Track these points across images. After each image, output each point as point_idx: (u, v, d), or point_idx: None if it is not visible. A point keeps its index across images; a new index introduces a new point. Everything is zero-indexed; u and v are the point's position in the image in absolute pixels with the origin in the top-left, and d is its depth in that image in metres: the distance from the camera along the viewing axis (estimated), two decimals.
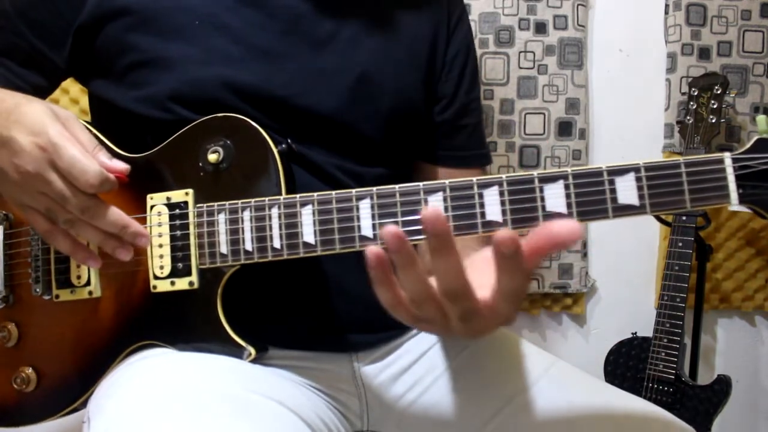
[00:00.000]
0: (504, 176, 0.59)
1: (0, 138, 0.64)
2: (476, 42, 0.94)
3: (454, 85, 0.90)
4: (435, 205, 0.60)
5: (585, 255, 1.52)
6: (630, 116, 1.54)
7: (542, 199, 0.59)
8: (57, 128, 0.64)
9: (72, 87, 1.43)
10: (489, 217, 0.59)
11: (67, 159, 0.63)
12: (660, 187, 0.57)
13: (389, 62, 0.82)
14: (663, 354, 1.35)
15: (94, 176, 0.63)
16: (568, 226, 0.46)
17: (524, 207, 0.59)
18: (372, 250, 0.47)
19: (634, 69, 1.54)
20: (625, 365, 1.42)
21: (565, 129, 1.49)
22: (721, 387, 1.33)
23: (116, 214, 0.67)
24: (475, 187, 0.60)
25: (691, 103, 1.39)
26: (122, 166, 0.69)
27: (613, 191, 0.57)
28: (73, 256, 0.70)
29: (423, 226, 0.46)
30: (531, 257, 0.47)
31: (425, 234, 0.47)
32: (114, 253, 0.68)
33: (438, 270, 0.49)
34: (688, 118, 1.39)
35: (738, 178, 0.56)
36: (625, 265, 1.56)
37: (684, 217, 1.36)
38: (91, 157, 0.65)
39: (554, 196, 0.58)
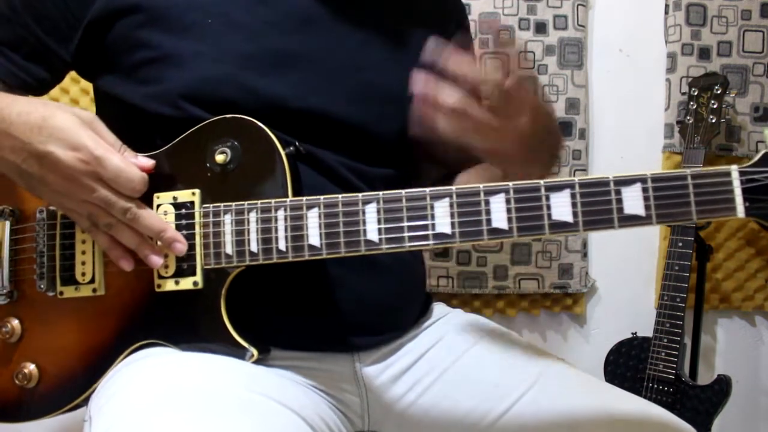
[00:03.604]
0: (510, 183, 0.60)
1: (37, 153, 0.65)
2: (476, 42, 0.94)
3: None
4: (440, 212, 0.61)
5: (585, 255, 1.52)
6: (630, 116, 1.55)
7: (548, 207, 0.59)
8: (93, 138, 0.67)
9: (72, 87, 1.43)
10: (495, 224, 0.60)
11: (111, 169, 0.66)
12: (666, 199, 0.57)
13: (400, 66, 0.83)
14: (663, 354, 1.35)
15: (140, 182, 0.68)
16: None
17: (530, 215, 0.59)
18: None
19: (634, 69, 1.54)
20: (625, 365, 1.42)
21: (565, 129, 1.49)
22: (721, 387, 1.33)
23: (155, 217, 0.69)
24: (482, 194, 0.60)
25: (691, 103, 1.39)
26: (149, 162, 0.72)
27: (619, 201, 0.57)
28: (108, 252, 0.71)
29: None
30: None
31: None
32: (146, 260, 0.70)
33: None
34: (688, 118, 1.39)
35: (744, 191, 0.56)
36: (625, 265, 1.56)
37: None
38: (131, 163, 0.68)
39: (560, 205, 0.58)
